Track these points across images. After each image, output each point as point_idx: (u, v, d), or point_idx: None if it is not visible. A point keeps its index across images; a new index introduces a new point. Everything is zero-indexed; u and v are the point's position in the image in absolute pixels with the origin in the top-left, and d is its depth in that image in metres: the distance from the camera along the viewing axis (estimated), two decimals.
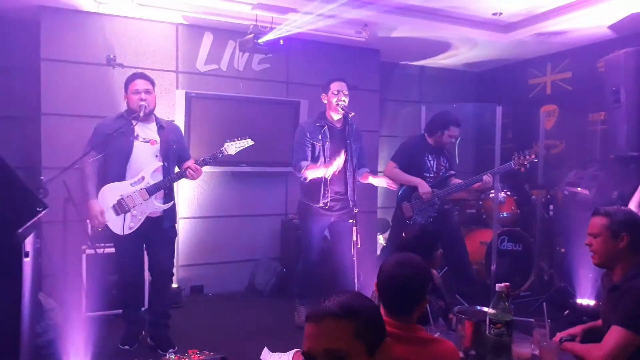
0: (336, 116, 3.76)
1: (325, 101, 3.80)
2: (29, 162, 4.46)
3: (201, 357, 2.58)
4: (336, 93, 3.69)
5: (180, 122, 4.43)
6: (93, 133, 3.39)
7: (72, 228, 3.85)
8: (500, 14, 4.64)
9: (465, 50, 5.58)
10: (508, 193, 5.20)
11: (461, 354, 2.03)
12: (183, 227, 4.83)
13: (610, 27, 4.68)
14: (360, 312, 1.23)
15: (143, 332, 3.65)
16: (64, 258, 3.87)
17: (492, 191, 4.99)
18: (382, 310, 1.80)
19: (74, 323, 3.54)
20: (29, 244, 2.30)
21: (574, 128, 5.43)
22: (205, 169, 3.60)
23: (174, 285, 4.54)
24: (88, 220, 3.38)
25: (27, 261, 2.28)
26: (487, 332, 1.93)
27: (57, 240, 3.97)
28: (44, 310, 3.44)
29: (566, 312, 4.15)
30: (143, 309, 3.84)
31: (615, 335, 1.98)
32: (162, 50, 4.68)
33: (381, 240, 5.83)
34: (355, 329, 1.21)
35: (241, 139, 3.52)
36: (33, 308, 2.62)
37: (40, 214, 2.27)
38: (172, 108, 4.59)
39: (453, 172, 4.18)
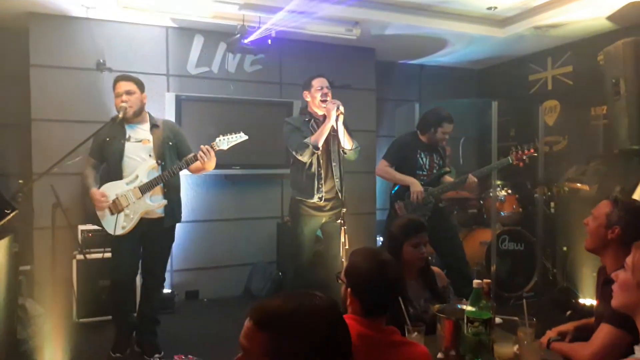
0: (320, 111, 3.71)
1: (308, 98, 3.76)
2: (20, 168, 4.44)
3: None
4: (319, 89, 3.66)
5: None
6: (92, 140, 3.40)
7: (61, 234, 3.83)
8: (495, 8, 4.54)
9: (461, 46, 5.47)
10: (509, 191, 5.07)
11: (441, 355, 1.94)
12: (177, 231, 4.75)
13: (609, 17, 4.55)
14: (287, 327, 1.04)
15: (134, 335, 3.58)
16: (53, 264, 3.84)
17: (491, 189, 4.87)
18: (355, 309, 1.70)
19: (64, 329, 3.51)
20: None
21: (576, 123, 5.29)
22: None
23: (168, 290, 4.48)
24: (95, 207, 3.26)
25: None
26: (465, 330, 1.84)
27: (47, 246, 3.95)
28: (29, 317, 3.41)
29: (568, 312, 4.01)
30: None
31: (602, 333, 1.88)
32: (152, 54, 4.65)
33: (380, 242, 5.73)
34: (268, 344, 1.03)
35: (234, 134, 3.40)
36: (9, 312, 2.58)
37: (9, 217, 2.23)
38: (163, 112, 4.55)
39: (448, 169, 4.08)
